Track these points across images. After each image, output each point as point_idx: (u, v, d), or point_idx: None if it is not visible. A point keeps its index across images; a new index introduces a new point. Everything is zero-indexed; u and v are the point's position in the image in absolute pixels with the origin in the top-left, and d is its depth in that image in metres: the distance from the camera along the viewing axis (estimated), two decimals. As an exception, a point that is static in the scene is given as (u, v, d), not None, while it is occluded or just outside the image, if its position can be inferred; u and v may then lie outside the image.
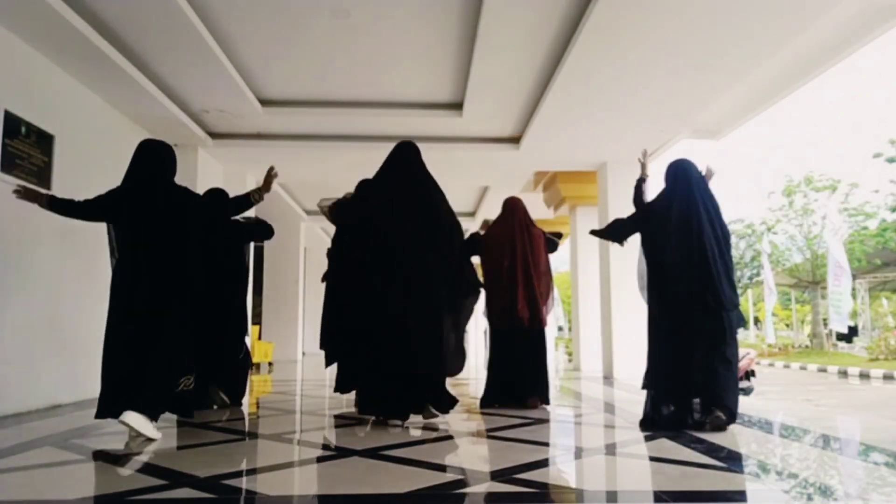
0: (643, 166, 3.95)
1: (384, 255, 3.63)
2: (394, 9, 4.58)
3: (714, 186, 3.70)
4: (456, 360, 3.78)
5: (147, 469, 2.54)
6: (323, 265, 4.66)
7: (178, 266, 3.33)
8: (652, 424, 3.41)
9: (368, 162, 4.41)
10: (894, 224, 20.36)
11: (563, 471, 2.57)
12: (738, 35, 4.58)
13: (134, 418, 3.02)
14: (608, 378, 7.21)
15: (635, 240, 3.86)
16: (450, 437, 3.33)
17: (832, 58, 5.28)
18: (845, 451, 3.08)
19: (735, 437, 3.22)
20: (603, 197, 7.68)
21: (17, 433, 3.47)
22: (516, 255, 4.42)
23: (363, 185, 4.50)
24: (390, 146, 4.00)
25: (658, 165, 3.93)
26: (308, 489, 2.33)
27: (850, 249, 18.26)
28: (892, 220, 20.48)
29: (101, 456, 2.82)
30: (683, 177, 3.61)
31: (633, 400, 4.66)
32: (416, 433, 3.38)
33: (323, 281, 4.40)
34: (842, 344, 23.21)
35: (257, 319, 11.19)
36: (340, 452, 2.89)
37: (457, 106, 6.32)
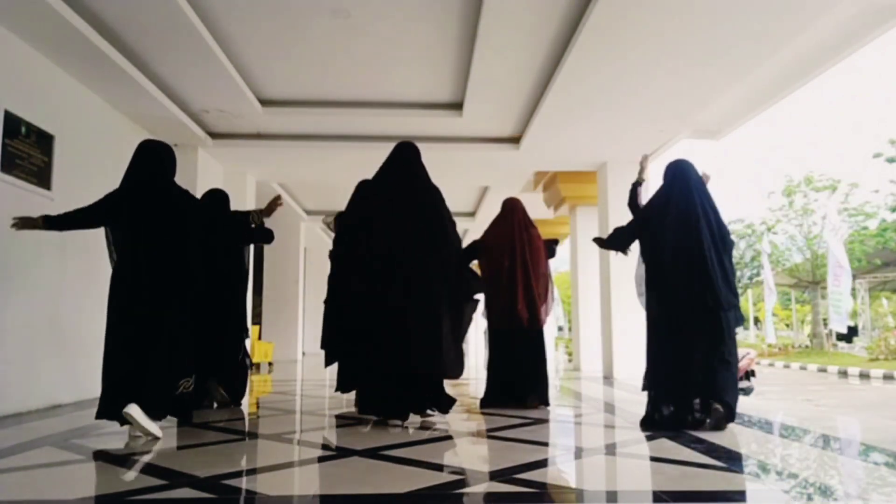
0: (641, 169, 3.96)
1: (384, 255, 3.63)
2: (394, 9, 4.58)
3: (712, 187, 3.70)
4: (455, 364, 3.78)
5: (147, 469, 2.54)
6: (323, 265, 4.65)
7: (178, 266, 3.33)
8: (652, 424, 3.41)
9: (368, 162, 4.42)
10: (894, 224, 20.37)
11: (563, 471, 2.57)
12: (738, 35, 4.58)
13: (137, 411, 3.02)
14: (608, 378, 7.21)
15: (634, 246, 3.87)
16: (450, 437, 3.33)
17: (832, 58, 5.28)
18: (845, 451, 3.08)
19: (735, 437, 3.22)
20: (603, 197, 7.68)
21: (17, 433, 3.47)
22: (516, 256, 4.42)
23: (363, 185, 4.50)
24: (390, 146, 4.01)
25: (658, 165, 3.93)
26: (308, 489, 2.33)
27: (850, 249, 18.27)
28: (892, 220, 20.48)
29: (101, 456, 2.82)
30: (682, 177, 3.62)
31: (633, 400, 4.67)
32: (416, 433, 3.38)
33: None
34: (842, 344, 23.21)
35: (257, 319, 11.19)
36: (340, 452, 2.89)
37: (457, 106, 6.32)
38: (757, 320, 31.09)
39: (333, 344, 4.24)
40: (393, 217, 3.70)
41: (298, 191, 10.57)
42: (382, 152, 4.05)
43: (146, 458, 2.74)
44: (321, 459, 2.79)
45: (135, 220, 3.29)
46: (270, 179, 9.01)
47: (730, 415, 3.35)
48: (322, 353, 4.29)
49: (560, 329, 30.50)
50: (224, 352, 4.44)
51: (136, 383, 3.10)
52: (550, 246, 4.71)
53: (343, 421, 3.96)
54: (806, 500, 2.09)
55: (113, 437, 3.24)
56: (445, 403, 3.71)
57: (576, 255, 8.80)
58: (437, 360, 3.59)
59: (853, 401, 9.37)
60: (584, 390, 5.95)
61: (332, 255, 4.42)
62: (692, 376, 3.35)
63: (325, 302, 4.36)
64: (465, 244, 4.39)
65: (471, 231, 12.10)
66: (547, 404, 4.42)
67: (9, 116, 4.23)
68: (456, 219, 4.00)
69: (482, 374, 4.65)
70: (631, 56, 4.92)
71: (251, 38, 5.01)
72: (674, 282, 3.43)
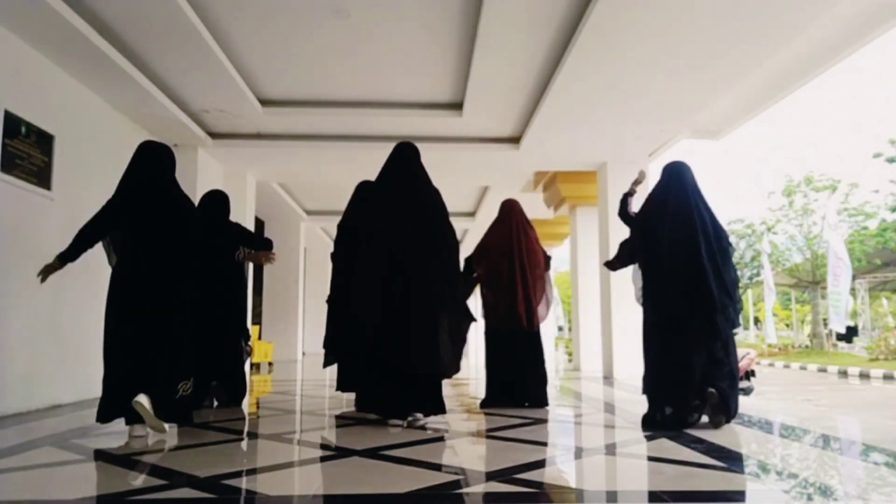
0: (637, 182, 3.96)
1: (384, 256, 3.63)
2: (394, 9, 4.59)
3: (710, 188, 3.70)
4: (453, 364, 3.79)
5: (147, 469, 2.54)
6: (323, 265, 4.66)
7: (178, 267, 3.33)
8: (653, 424, 3.42)
9: (368, 162, 4.42)
10: (894, 224, 20.36)
11: (563, 471, 2.57)
12: (738, 35, 4.58)
13: (146, 400, 3.04)
14: (608, 378, 7.21)
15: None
16: (450, 437, 3.33)
17: (832, 58, 5.29)
18: (845, 451, 3.08)
19: (735, 437, 3.22)
20: (603, 197, 7.68)
21: (17, 433, 3.47)
22: (514, 258, 4.44)
23: (363, 186, 4.51)
24: (390, 146, 4.01)
25: (657, 166, 3.93)
26: (308, 489, 2.33)
27: (850, 249, 18.24)
28: (892, 220, 20.48)
29: (101, 456, 2.82)
30: (678, 178, 3.63)
31: (633, 400, 4.67)
32: (416, 433, 3.38)
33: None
34: (842, 344, 23.20)
35: (257, 319, 11.20)
36: (340, 452, 2.89)
37: (457, 106, 6.32)
38: (757, 320, 31.09)
39: (334, 343, 4.26)
40: (393, 217, 3.70)
41: (298, 191, 10.58)
42: (382, 152, 4.05)
43: (146, 458, 2.74)
44: (321, 459, 2.79)
45: (135, 221, 3.29)
46: (270, 179, 9.01)
47: (728, 413, 3.36)
48: (323, 352, 4.31)
49: (560, 329, 30.51)
50: (224, 353, 4.44)
51: (137, 383, 3.11)
52: (546, 259, 4.72)
53: (343, 421, 3.96)
54: (806, 500, 2.09)
55: (113, 437, 3.24)
56: (436, 407, 3.71)
57: (576, 255, 8.80)
58: (436, 360, 3.60)
59: (853, 401, 9.37)
60: (584, 390, 5.96)
61: (334, 256, 4.43)
62: (689, 377, 3.35)
63: (328, 302, 4.37)
64: (463, 248, 4.38)
65: (471, 231, 12.10)
66: (546, 404, 4.42)
67: (9, 116, 4.23)
68: (456, 219, 3.99)
69: (482, 374, 4.64)
70: (631, 56, 4.92)
71: (251, 39, 5.01)
72: (669, 283, 3.44)
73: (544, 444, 3.24)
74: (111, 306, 3.23)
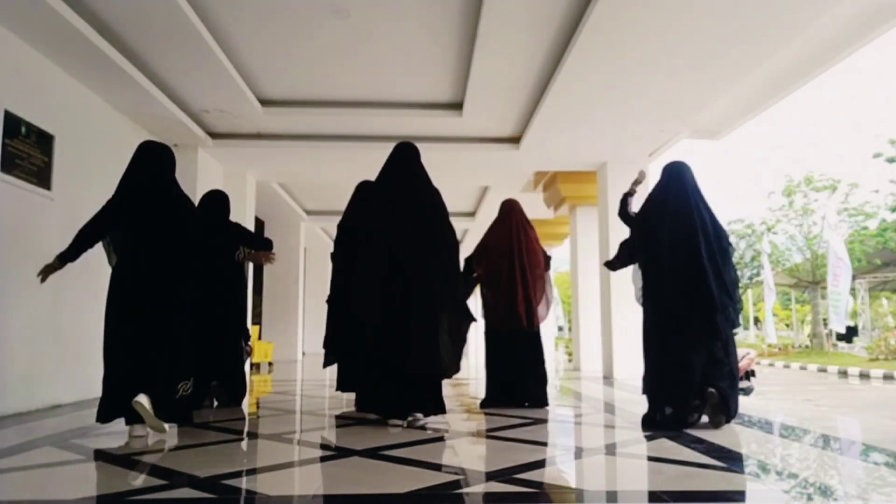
0: (637, 182, 3.96)
1: (384, 256, 3.63)
2: (394, 9, 4.59)
3: (710, 188, 3.71)
4: (452, 364, 3.79)
5: (147, 469, 2.54)
6: (323, 265, 4.66)
7: (178, 266, 3.33)
8: (653, 424, 3.42)
9: (368, 162, 4.42)
10: (894, 224, 20.36)
11: (562, 471, 2.57)
12: (738, 35, 4.58)
13: (146, 400, 3.05)
14: (608, 378, 7.21)
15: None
16: (450, 437, 3.33)
17: (832, 58, 5.29)
18: (845, 451, 3.08)
19: (735, 437, 3.22)
20: (603, 197, 7.68)
21: (17, 433, 3.47)
22: (514, 257, 4.44)
23: (363, 186, 4.52)
24: (390, 146, 4.01)
25: (657, 166, 3.93)
26: (308, 489, 2.33)
27: (850, 249, 18.24)
28: (892, 220, 20.47)
29: (101, 456, 2.82)
30: (678, 178, 3.63)
31: (633, 400, 4.66)
32: (416, 433, 3.38)
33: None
34: (842, 344, 23.20)
35: (257, 319, 11.20)
36: (340, 452, 2.89)
37: (457, 106, 6.32)
38: (757, 320, 31.08)
39: (334, 343, 4.26)
40: (393, 217, 3.70)
41: (298, 191, 10.58)
42: (382, 152, 4.05)
43: (146, 458, 2.74)
44: (321, 459, 2.79)
45: (134, 221, 3.29)
46: (270, 179, 9.01)
47: (729, 413, 3.36)
48: (323, 352, 4.30)
49: (560, 329, 30.51)
50: (224, 353, 4.44)
51: (137, 384, 3.11)
52: (546, 259, 4.72)
53: (343, 421, 3.96)
54: (806, 500, 2.09)
55: (113, 437, 3.24)
56: (436, 407, 3.71)
57: (576, 255, 8.80)
58: (436, 360, 3.60)
59: (853, 401, 9.37)
60: (584, 390, 5.96)
61: (334, 256, 4.44)
62: (689, 377, 3.35)
63: (328, 302, 4.37)
64: (463, 248, 4.38)
65: (471, 231, 12.10)
66: (546, 404, 4.42)
67: (9, 116, 4.23)
68: (456, 219, 3.99)
69: (482, 374, 4.64)
70: (631, 56, 4.92)
71: (251, 39, 5.01)
72: (669, 283, 3.45)
73: (544, 444, 3.24)
74: (111, 306, 3.23)
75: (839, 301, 14.89)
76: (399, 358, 3.52)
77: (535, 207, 9.43)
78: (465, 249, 4.61)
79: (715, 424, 3.39)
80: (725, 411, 3.36)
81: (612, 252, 5.93)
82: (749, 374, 7.75)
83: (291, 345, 11.47)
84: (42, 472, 2.53)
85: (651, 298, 3.57)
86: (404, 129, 6.65)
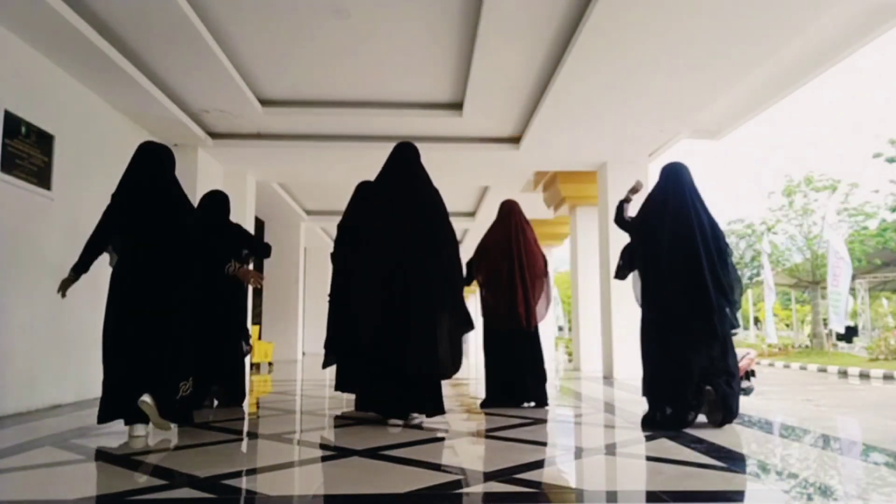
0: (633, 190, 3.96)
1: (384, 256, 3.63)
2: (394, 9, 4.59)
3: (710, 188, 3.71)
4: (452, 364, 3.79)
5: (147, 469, 2.54)
6: (323, 265, 4.66)
7: (177, 267, 3.33)
8: (653, 424, 3.42)
9: (368, 162, 4.42)
10: (894, 224, 20.35)
11: (562, 471, 2.57)
12: (738, 35, 4.58)
13: (150, 399, 3.09)
14: (608, 378, 7.21)
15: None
16: (450, 437, 3.33)
17: (832, 58, 5.29)
18: (845, 451, 3.08)
19: (735, 437, 3.22)
20: (603, 197, 7.68)
21: (17, 433, 3.47)
22: (514, 258, 4.45)
23: (363, 186, 4.52)
24: (390, 146, 4.01)
25: (657, 166, 3.94)
26: (308, 489, 2.33)
27: (850, 249, 18.23)
28: (892, 220, 20.46)
29: (101, 456, 2.82)
30: (676, 179, 3.65)
31: (633, 400, 4.66)
32: (416, 433, 3.38)
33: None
34: (842, 344, 23.20)
35: (257, 319, 11.20)
36: (340, 452, 2.89)
37: (457, 106, 6.32)
38: (757, 320, 31.07)
39: (334, 343, 4.26)
40: (393, 217, 3.70)
41: (298, 191, 10.58)
42: (382, 152, 4.05)
43: (146, 458, 2.74)
44: (321, 459, 2.79)
45: (134, 222, 3.30)
46: (270, 179, 9.01)
47: (730, 412, 3.37)
48: (324, 352, 4.30)
49: (560, 329, 30.51)
50: (224, 353, 4.44)
51: (137, 384, 3.12)
52: (544, 262, 4.73)
53: (343, 421, 3.96)
54: (806, 500, 2.09)
55: (113, 437, 3.24)
56: (435, 407, 3.71)
57: (576, 255, 8.80)
58: (436, 360, 3.61)
59: (853, 401, 9.37)
60: (584, 390, 5.96)
61: (334, 256, 4.44)
62: (688, 377, 3.36)
63: (329, 302, 4.38)
64: (463, 246, 4.38)
65: (471, 231, 12.10)
66: (546, 404, 4.43)
67: (9, 116, 4.23)
68: (456, 219, 3.99)
69: (482, 374, 4.64)
70: (631, 56, 4.92)
71: (252, 39, 5.01)
72: (668, 283, 3.46)
73: (544, 444, 3.24)
74: (111, 306, 3.24)
75: (839, 301, 14.90)
76: (398, 358, 3.52)
77: (535, 207, 9.43)
78: (465, 249, 4.62)
79: (713, 422, 3.40)
80: (726, 410, 3.36)
81: (613, 252, 5.97)
82: (749, 374, 7.74)
83: (291, 345, 11.48)
84: (42, 472, 2.53)
85: (650, 298, 3.58)
86: (404, 129, 6.65)
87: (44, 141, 4.62)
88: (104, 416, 3.15)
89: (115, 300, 3.24)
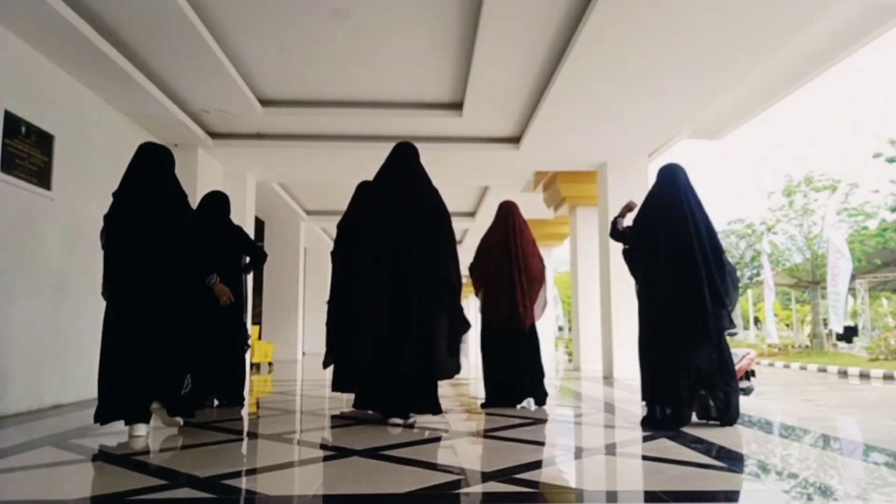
0: (627, 208, 3.95)
1: (384, 256, 3.63)
2: (394, 9, 4.59)
3: (710, 188, 3.72)
4: (451, 364, 3.79)
5: (147, 469, 2.54)
6: (323, 265, 4.66)
7: (177, 266, 3.34)
8: (653, 424, 3.43)
9: (368, 162, 4.41)
10: (894, 224, 20.33)
11: (562, 471, 2.57)
12: (738, 35, 4.58)
13: (157, 403, 3.24)
14: (608, 378, 7.21)
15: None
16: (450, 437, 3.33)
17: (832, 58, 5.29)
18: (845, 451, 3.08)
19: (735, 437, 3.22)
20: (603, 197, 7.68)
21: (17, 433, 3.47)
22: (513, 258, 4.47)
23: (363, 186, 4.51)
24: (390, 146, 4.01)
25: (657, 166, 3.95)
26: (308, 489, 2.33)
27: (850, 249, 18.23)
28: (892, 220, 20.44)
29: (101, 456, 2.82)
30: (671, 179, 3.66)
31: (633, 400, 4.67)
32: (416, 433, 3.38)
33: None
34: (842, 344, 23.19)
35: (257, 319, 11.19)
36: (340, 452, 2.89)
37: (457, 106, 6.32)
38: (757, 320, 31.07)
39: (333, 343, 4.26)
40: (393, 217, 3.70)
41: (298, 191, 10.57)
42: (382, 152, 4.05)
43: (146, 458, 2.74)
44: (321, 459, 2.79)
45: (135, 222, 3.30)
46: (270, 179, 9.01)
47: (729, 410, 3.38)
48: (324, 352, 4.30)
49: (560, 329, 30.51)
50: (225, 353, 4.44)
51: (137, 384, 3.13)
52: (542, 265, 4.74)
53: (343, 421, 3.96)
54: (806, 500, 2.09)
55: (113, 437, 3.24)
56: (433, 407, 3.71)
57: (576, 255, 8.80)
58: (433, 361, 3.61)
59: (853, 401, 9.36)
60: (584, 390, 5.96)
61: (334, 255, 4.44)
62: (686, 377, 3.37)
63: (328, 302, 4.37)
64: (463, 246, 4.38)
65: (471, 231, 12.10)
66: (544, 403, 4.44)
67: (9, 116, 4.23)
68: (456, 219, 4.00)
69: (482, 374, 4.64)
70: (631, 57, 4.92)
71: (252, 39, 5.01)
72: (666, 283, 3.47)
73: (544, 444, 3.24)
74: (111, 306, 3.24)
75: (838, 301, 14.90)
76: (398, 357, 3.52)
77: (535, 207, 9.43)
78: (466, 249, 4.62)
79: (708, 417, 3.42)
80: (725, 409, 3.37)
81: (613, 252, 5.94)
82: (749, 374, 7.73)
83: (291, 345, 11.47)
84: (42, 472, 2.53)
85: (647, 299, 3.59)
86: (404, 129, 6.65)
87: (44, 141, 4.62)
88: (103, 417, 3.15)
89: (115, 300, 3.24)
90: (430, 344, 3.59)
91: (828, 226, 16.62)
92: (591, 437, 3.46)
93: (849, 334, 22.08)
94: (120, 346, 3.16)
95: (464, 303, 4.17)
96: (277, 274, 11.50)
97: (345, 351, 4.06)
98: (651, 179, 3.91)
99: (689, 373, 3.35)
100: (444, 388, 3.83)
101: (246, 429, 3.78)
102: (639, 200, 3.87)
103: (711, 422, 3.49)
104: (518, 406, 4.41)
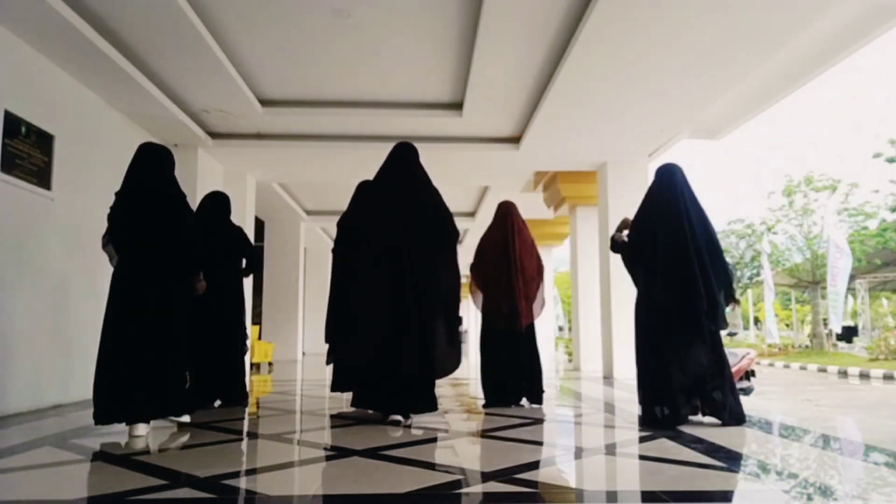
0: (624, 224, 3.96)
1: (383, 256, 3.63)
2: (394, 9, 4.59)
3: (710, 188, 3.73)
4: (450, 363, 3.80)
5: (147, 469, 2.54)
6: (323, 265, 4.67)
7: (177, 266, 3.34)
8: (651, 424, 3.43)
9: (368, 162, 4.41)
10: (894, 224, 20.33)
11: (562, 471, 2.57)
12: (738, 35, 4.58)
13: (144, 428, 3.24)
14: (608, 378, 7.21)
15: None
16: (450, 437, 3.33)
17: (832, 58, 5.29)
18: (845, 451, 3.08)
19: (735, 437, 3.22)
20: (603, 197, 7.68)
21: (17, 433, 3.47)
22: (512, 258, 4.47)
23: (363, 186, 4.52)
24: (390, 146, 4.02)
25: (657, 166, 3.96)
26: (308, 489, 2.33)
27: (850, 249, 18.24)
28: (892, 220, 20.44)
29: (101, 456, 2.82)
30: (668, 179, 3.68)
31: (633, 400, 4.65)
32: (416, 433, 3.38)
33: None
34: (842, 344, 23.19)
35: (257, 319, 11.19)
36: (340, 452, 2.89)
37: (457, 106, 6.32)
38: (757, 320, 31.07)
39: (333, 342, 4.27)
40: (392, 217, 3.71)
41: (298, 191, 10.57)
42: (382, 152, 4.05)
43: (146, 458, 2.74)
44: (321, 459, 2.79)
45: (135, 222, 3.30)
46: (270, 179, 9.01)
47: (726, 406, 3.41)
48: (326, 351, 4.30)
49: (560, 329, 30.51)
50: (225, 353, 4.44)
51: (137, 384, 3.13)
52: (540, 267, 4.75)
53: (343, 421, 3.96)
54: (806, 500, 2.09)
55: (113, 437, 3.24)
56: (431, 406, 3.71)
57: (576, 255, 8.80)
58: (432, 360, 3.61)
59: (853, 401, 9.36)
60: (584, 390, 5.96)
61: (334, 254, 4.45)
62: (684, 377, 3.39)
63: (328, 302, 4.38)
64: (464, 246, 4.39)
65: (471, 231, 12.10)
66: (541, 402, 4.44)
67: (9, 116, 4.23)
68: (456, 219, 4.01)
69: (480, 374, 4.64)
70: (631, 57, 4.92)
71: (251, 38, 5.01)
72: (663, 284, 3.48)
73: (544, 444, 3.24)
74: (111, 306, 3.25)
75: (838, 300, 14.91)
76: (397, 357, 3.52)
77: (535, 207, 9.43)
78: (466, 249, 4.63)
79: (708, 413, 3.43)
80: (724, 408, 3.38)
81: (613, 254, 5.90)
82: (749, 374, 7.73)
83: (291, 345, 11.47)
84: (42, 472, 2.53)
85: (646, 298, 3.60)
86: (404, 129, 6.65)
87: (44, 141, 4.62)
88: (103, 417, 3.15)
89: (115, 300, 3.24)
90: (429, 344, 3.59)
91: (828, 224, 16.63)
92: (591, 437, 3.46)
93: (849, 334, 22.07)
94: (120, 346, 3.16)
95: (464, 302, 4.17)
96: (277, 274, 11.50)
97: (344, 351, 4.06)
98: (650, 179, 3.92)
99: (686, 372, 3.37)
100: (444, 388, 3.83)
101: (246, 429, 3.78)
102: (638, 200, 3.88)
103: (710, 419, 3.49)
104: (515, 405, 4.41)
